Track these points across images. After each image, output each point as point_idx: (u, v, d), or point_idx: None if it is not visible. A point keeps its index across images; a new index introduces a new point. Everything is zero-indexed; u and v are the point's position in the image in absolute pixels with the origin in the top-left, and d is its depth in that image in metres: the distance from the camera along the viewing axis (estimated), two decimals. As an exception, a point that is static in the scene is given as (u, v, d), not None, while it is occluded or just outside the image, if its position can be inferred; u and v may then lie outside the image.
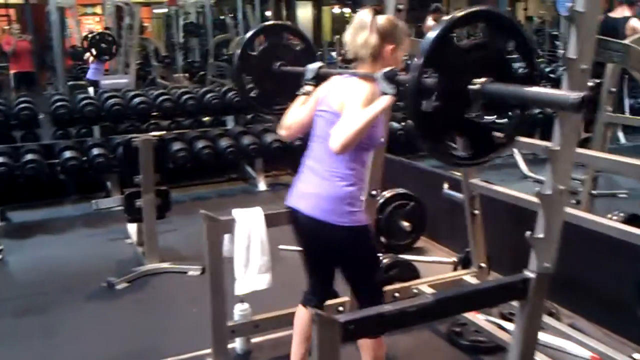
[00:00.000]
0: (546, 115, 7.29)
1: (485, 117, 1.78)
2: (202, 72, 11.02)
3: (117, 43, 8.47)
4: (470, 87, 1.74)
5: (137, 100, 6.00)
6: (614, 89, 3.38)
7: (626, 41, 2.73)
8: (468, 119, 1.77)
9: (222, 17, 13.32)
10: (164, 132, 4.38)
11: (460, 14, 1.76)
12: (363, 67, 2.25)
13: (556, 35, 13.18)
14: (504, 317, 3.17)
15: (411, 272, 3.46)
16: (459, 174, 3.33)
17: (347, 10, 23.06)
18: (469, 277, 3.37)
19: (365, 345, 2.38)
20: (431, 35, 1.71)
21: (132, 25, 8.81)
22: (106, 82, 6.54)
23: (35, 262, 4.30)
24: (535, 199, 2.81)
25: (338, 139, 2.02)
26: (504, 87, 1.73)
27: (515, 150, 6.53)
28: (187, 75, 11.38)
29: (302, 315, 2.55)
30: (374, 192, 3.04)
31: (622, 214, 3.77)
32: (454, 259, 3.78)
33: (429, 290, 3.22)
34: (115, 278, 3.86)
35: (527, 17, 21.18)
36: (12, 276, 4.13)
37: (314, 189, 2.27)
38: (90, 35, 8.78)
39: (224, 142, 5.84)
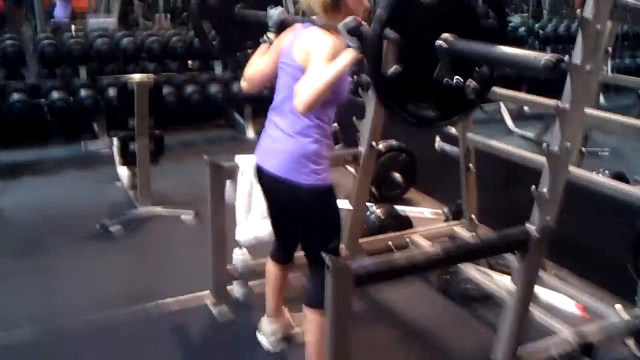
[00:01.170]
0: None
1: (453, 77, 1.68)
2: (185, 13, 10.74)
3: None
4: (438, 44, 1.64)
5: (125, 40, 5.87)
6: (610, 49, 3.42)
7: None
8: (433, 81, 1.68)
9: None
10: (151, 75, 4.31)
11: None
12: (327, 15, 2.09)
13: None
14: (491, 267, 3.28)
15: (405, 223, 3.54)
16: (453, 129, 3.37)
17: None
18: (460, 229, 3.47)
19: (310, 318, 2.29)
20: None
21: (115, -38, 8.55)
22: (92, 21, 6.37)
23: (27, 204, 4.29)
24: (534, 156, 2.92)
25: (301, 99, 1.91)
26: (472, 46, 1.63)
27: (502, 106, 6.62)
28: (168, 15, 11.09)
29: (271, 268, 2.59)
30: (373, 144, 3.10)
31: (607, 172, 3.88)
32: (445, 210, 3.86)
33: (422, 241, 3.32)
34: (109, 220, 3.88)
35: (513, -31, 20.97)
36: (4, 217, 4.11)
37: (277, 145, 2.19)
38: None
39: (214, 88, 5.80)
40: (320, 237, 2.25)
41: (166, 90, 5.46)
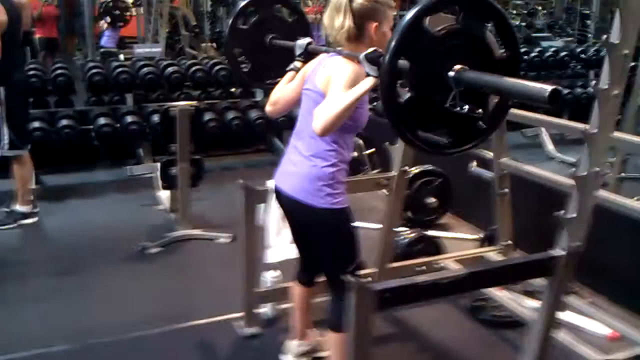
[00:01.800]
0: (575, 95, 7.26)
1: (464, 105, 1.68)
2: (229, 42, 11.02)
3: (130, 10, 8.47)
4: (447, 74, 1.66)
5: (170, 69, 6.09)
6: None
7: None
8: (445, 108, 1.69)
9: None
10: (196, 103, 4.46)
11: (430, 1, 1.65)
12: (349, 46, 2.18)
13: (587, 14, 12.94)
14: (527, 293, 3.24)
15: (437, 247, 3.53)
16: (489, 152, 3.37)
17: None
18: (495, 254, 3.44)
19: (332, 342, 2.37)
20: (402, 21, 1.63)
21: (163, -7, 8.85)
22: (139, 50, 6.63)
23: (70, 225, 4.44)
24: (566, 180, 2.89)
25: (319, 121, 1.96)
26: (480, 76, 1.64)
27: (543, 130, 6.54)
28: (214, 45, 11.41)
29: (296, 290, 2.63)
30: (405, 168, 3.12)
31: (647, 198, 3.79)
32: (480, 235, 3.84)
33: (454, 266, 3.30)
34: (149, 242, 3.99)
35: (559, -6, 20.79)
36: (48, 237, 4.27)
37: (295, 167, 2.27)
38: (104, 2, 8.86)
39: (254, 114, 5.92)
40: (336, 259, 2.31)
41: (208, 116, 5.61)
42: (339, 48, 2.21)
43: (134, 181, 5.31)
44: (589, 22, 12.15)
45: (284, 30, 2.84)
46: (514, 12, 14.82)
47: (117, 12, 8.14)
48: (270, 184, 2.88)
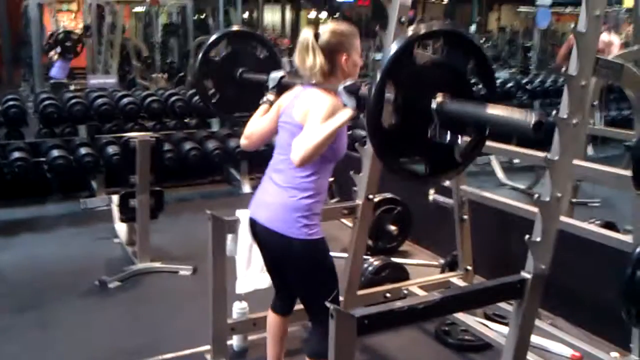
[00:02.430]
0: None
1: (444, 135, 1.75)
2: (181, 74, 11.03)
3: (83, 42, 8.40)
4: (430, 103, 1.72)
5: (125, 100, 6.03)
6: (595, 103, 3.56)
7: (610, 56, 2.90)
8: (427, 137, 1.76)
9: (202, 17, 13.33)
10: (152, 134, 4.43)
11: (420, 31, 1.74)
12: (325, 79, 2.23)
13: (529, 47, 13.51)
14: (488, 317, 3.32)
15: (401, 274, 3.59)
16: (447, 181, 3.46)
17: (323, 14, 23.29)
18: (456, 280, 3.52)
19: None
20: (390, 51, 1.71)
21: (115, 24, 8.82)
22: (93, 81, 6.55)
23: (25, 260, 4.31)
24: (525, 206, 3.01)
25: (298, 152, 2.00)
26: (464, 106, 1.72)
27: (492, 158, 6.75)
28: (165, 76, 11.36)
29: (272, 319, 2.61)
30: (370, 196, 3.17)
31: (598, 222, 3.96)
32: (440, 261, 3.92)
33: (419, 291, 3.36)
34: (108, 277, 3.90)
35: (500, 27, 21.68)
36: (3, 274, 4.11)
37: (271, 198, 2.27)
38: (55, 33, 8.77)
39: (211, 144, 5.91)
40: (315, 290, 2.30)
41: (165, 147, 5.56)
42: (314, 82, 2.26)
43: (88, 214, 5.20)
44: (530, 54, 12.67)
45: (255, 65, 2.90)
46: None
47: (69, 43, 8.01)
48: (239, 213, 2.89)
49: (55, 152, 5.27)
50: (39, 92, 6.60)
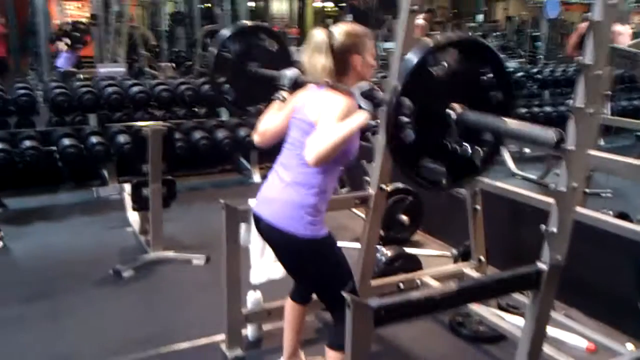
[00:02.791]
0: (532, 114, 7.51)
1: (462, 143, 1.79)
2: (188, 62, 11.02)
3: (91, 32, 8.37)
4: (449, 114, 1.76)
5: (135, 89, 6.03)
6: (609, 92, 3.54)
7: (622, 46, 2.89)
8: (445, 146, 1.79)
9: (209, 6, 13.28)
10: (163, 123, 4.43)
11: (438, 41, 1.77)
12: (335, 79, 2.23)
13: (537, 36, 13.42)
14: (502, 308, 3.33)
15: (414, 264, 3.59)
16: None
17: (329, 4, 23.19)
18: (469, 270, 3.52)
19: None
20: (408, 63, 1.73)
21: (122, 12, 8.79)
22: (102, 70, 6.54)
23: (38, 249, 4.34)
24: (538, 196, 3.00)
25: (313, 152, 2.00)
26: (484, 118, 1.74)
27: (503, 148, 6.73)
28: (173, 65, 11.35)
29: (290, 308, 2.63)
30: (383, 186, 3.17)
31: (610, 212, 3.95)
32: (453, 251, 3.92)
33: (432, 282, 3.36)
34: (121, 266, 3.92)
35: (508, 17, 21.52)
36: (16, 262, 4.15)
37: (277, 194, 2.26)
38: (64, 24, 8.75)
39: (221, 134, 5.92)
40: (326, 284, 2.30)
41: (176, 136, 5.56)
42: (328, 81, 2.25)
43: (100, 203, 5.24)
44: (539, 43, 12.59)
45: (267, 59, 2.93)
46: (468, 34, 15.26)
47: (77, 34, 7.99)
48: (252, 203, 2.89)
49: (66, 141, 5.29)
50: (49, 80, 6.60)
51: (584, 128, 2.15)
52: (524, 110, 7.42)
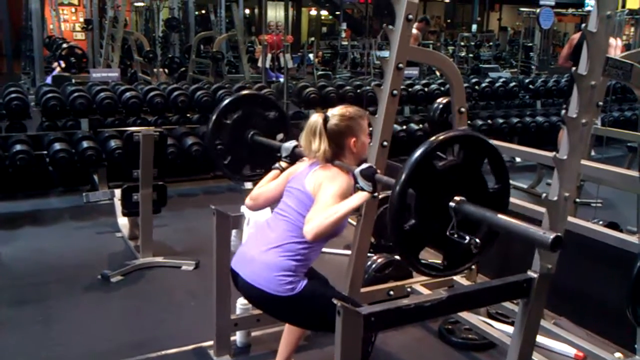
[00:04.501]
0: (524, 124, 7.54)
1: (460, 233, 1.90)
2: (182, 69, 11.02)
3: (87, 56, 8.38)
4: (450, 205, 1.88)
5: (128, 94, 6.02)
6: (600, 103, 3.54)
7: (617, 56, 2.90)
8: (444, 234, 1.90)
9: (204, 13, 13.30)
10: (155, 128, 4.43)
11: (440, 138, 1.90)
12: (325, 162, 2.35)
13: (530, 47, 13.48)
14: (492, 316, 3.33)
15: (405, 272, 3.58)
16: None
17: (324, 12, 23.28)
18: (459, 278, 3.51)
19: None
20: (412, 158, 1.85)
21: (117, 18, 8.79)
22: (96, 75, 6.52)
23: (28, 254, 4.30)
24: (529, 205, 3.01)
25: (312, 227, 2.10)
26: (481, 211, 1.86)
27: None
28: (166, 70, 11.35)
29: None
30: (375, 194, 3.16)
31: (601, 222, 3.96)
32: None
33: (423, 290, 3.36)
34: (110, 271, 3.90)
35: (501, 27, 21.68)
36: (6, 266, 4.11)
37: (258, 255, 2.29)
38: (60, 47, 8.81)
39: (213, 140, 5.90)
40: (315, 324, 2.37)
41: (168, 141, 5.54)
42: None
43: (90, 208, 5.20)
44: (532, 54, 12.66)
45: (264, 125, 3.06)
46: (462, 44, 15.33)
47: (73, 59, 8.00)
48: (244, 209, 2.89)
49: (57, 146, 5.26)
50: (41, 85, 6.57)
51: (576, 138, 2.16)
52: (515, 120, 7.43)
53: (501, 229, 1.87)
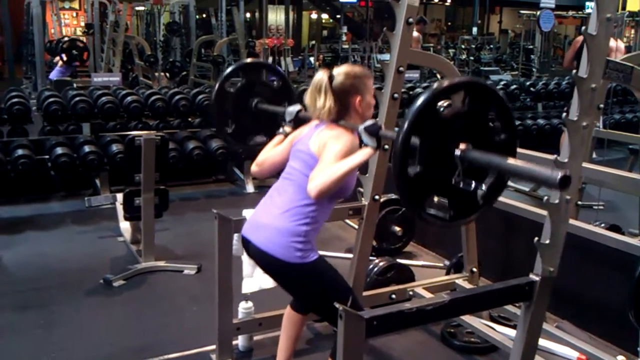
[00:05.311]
0: (525, 126, 7.55)
1: (466, 181, 1.84)
2: (183, 73, 11.04)
3: (88, 49, 8.40)
4: (455, 153, 1.82)
5: (129, 99, 6.03)
6: (602, 106, 3.56)
7: (618, 59, 2.90)
8: (450, 183, 1.85)
9: (204, 17, 13.31)
10: (156, 132, 4.44)
11: (444, 85, 1.85)
12: (330, 120, 2.31)
13: (531, 49, 13.50)
14: (494, 319, 3.32)
15: (407, 275, 3.58)
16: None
17: (324, 15, 23.31)
18: (462, 281, 3.51)
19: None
20: (416, 103, 1.81)
21: (118, 22, 8.82)
22: (97, 79, 6.54)
23: (30, 258, 4.30)
24: (531, 208, 3.01)
25: (316, 185, 2.07)
26: (488, 156, 1.81)
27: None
28: (167, 74, 11.37)
29: (289, 316, 2.63)
30: (376, 197, 3.17)
31: (602, 224, 3.96)
32: (445, 263, 3.92)
33: (425, 293, 3.35)
34: (112, 275, 3.90)
35: (502, 30, 21.68)
36: (8, 271, 4.11)
37: (268, 220, 2.29)
38: (62, 40, 8.81)
39: (214, 144, 5.91)
40: (323, 304, 2.29)
41: (169, 146, 5.55)
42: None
43: (92, 212, 5.20)
44: (532, 56, 12.67)
45: (269, 95, 2.99)
46: (463, 47, 15.34)
47: (75, 51, 8.01)
48: (246, 213, 2.89)
49: (59, 150, 5.27)
50: (43, 89, 6.58)
51: (577, 140, 2.16)
52: (517, 123, 7.43)
53: (508, 172, 1.82)
